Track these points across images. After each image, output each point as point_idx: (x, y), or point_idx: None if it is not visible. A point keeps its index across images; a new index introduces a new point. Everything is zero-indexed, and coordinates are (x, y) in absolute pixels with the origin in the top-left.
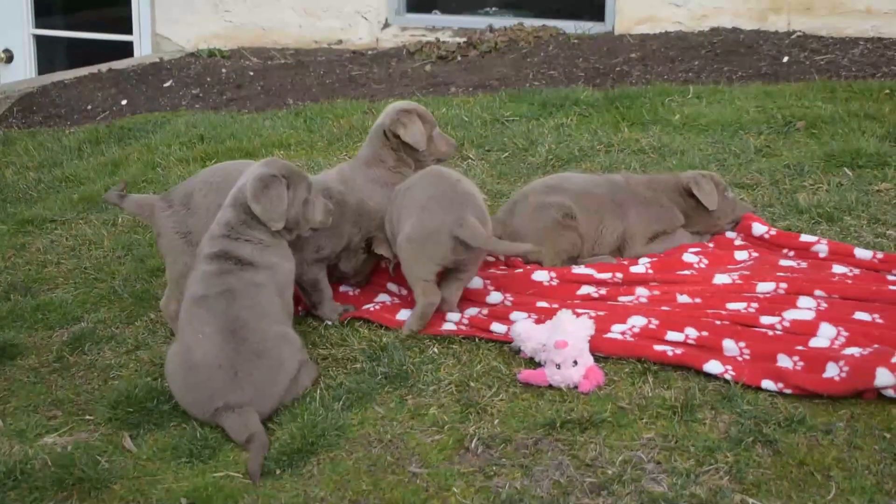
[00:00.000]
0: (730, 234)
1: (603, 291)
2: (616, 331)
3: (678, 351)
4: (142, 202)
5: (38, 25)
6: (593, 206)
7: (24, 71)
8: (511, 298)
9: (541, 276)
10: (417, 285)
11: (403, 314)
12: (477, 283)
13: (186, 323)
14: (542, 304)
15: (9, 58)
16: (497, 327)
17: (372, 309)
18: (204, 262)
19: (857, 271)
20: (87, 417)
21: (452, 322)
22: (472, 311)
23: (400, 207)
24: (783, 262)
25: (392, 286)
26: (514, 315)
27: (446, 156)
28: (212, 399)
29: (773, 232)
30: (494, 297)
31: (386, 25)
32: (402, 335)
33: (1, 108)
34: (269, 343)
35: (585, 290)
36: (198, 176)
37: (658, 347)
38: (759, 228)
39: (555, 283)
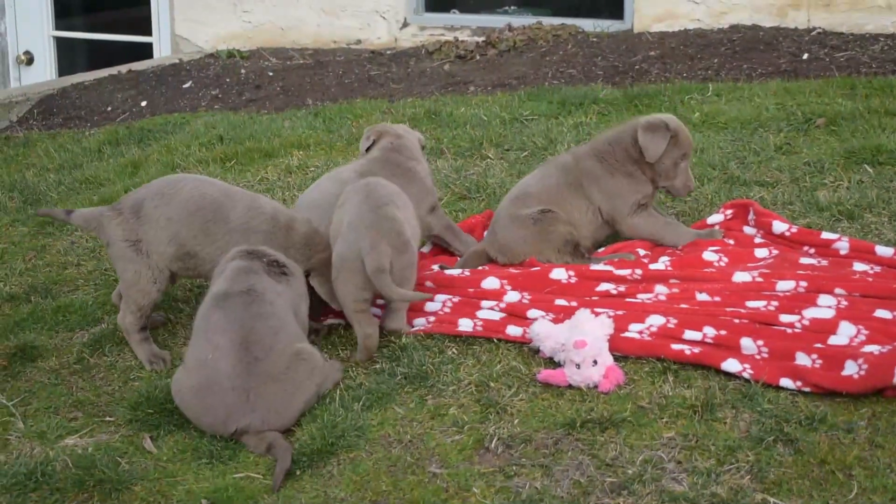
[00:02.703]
0: (749, 231)
1: (622, 288)
2: (634, 330)
3: (696, 350)
4: (89, 215)
5: (58, 27)
6: (554, 199)
7: (44, 73)
8: (528, 297)
9: (559, 273)
10: (350, 316)
11: (418, 323)
12: (494, 283)
13: (201, 330)
14: (560, 301)
15: (29, 60)
16: (513, 330)
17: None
18: (238, 258)
19: (878, 269)
20: (108, 419)
21: (469, 324)
22: (487, 313)
23: (335, 229)
24: (804, 260)
25: None
26: (532, 312)
27: None
28: (226, 423)
29: (794, 229)
30: (512, 296)
31: (404, 25)
32: (421, 336)
33: (21, 110)
34: (285, 366)
35: (604, 287)
36: (149, 186)
37: (676, 346)
38: (779, 226)
39: (573, 280)
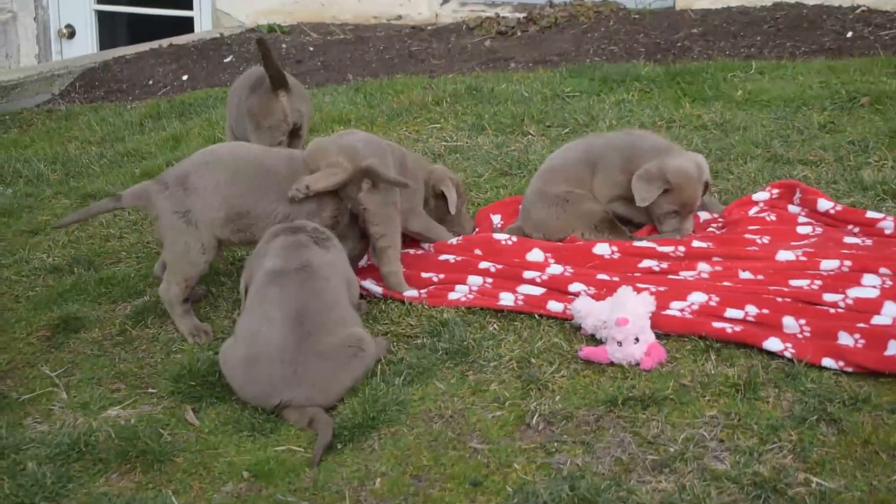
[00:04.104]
0: (793, 210)
1: (664, 265)
2: (675, 307)
3: (737, 328)
4: (137, 192)
5: (99, 1)
6: (574, 175)
7: (85, 46)
8: (571, 270)
9: (602, 249)
10: None
11: (459, 290)
12: (538, 255)
13: (255, 304)
14: (602, 276)
15: (71, 33)
16: (554, 305)
17: (420, 295)
18: (282, 234)
19: None
20: (150, 390)
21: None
22: (528, 287)
23: None
24: (848, 240)
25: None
26: (574, 286)
27: None
28: (270, 395)
29: (839, 208)
30: (555, 269)
31: (445, 1)
32: (462, 311)
33: (63, 83)
34: (335, 344)
35: (647, 263)
36: (190, 159)
37: (717, 324)
38: (824, 204)
39: (616, 256)
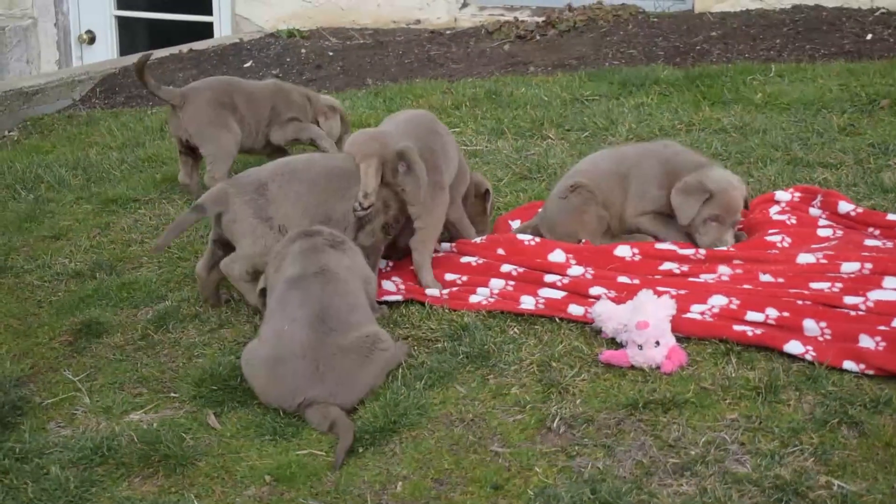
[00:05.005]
0: (814, 213)
1: (685, 268)
2: (695, 311)
3: (758, 331)
4: (216, 196)
5: (119, 7)
6: (600, 179)
7: (106, 52)
8: (592, 272)
9: (623, 251)
10: None
11: (481, 292)
12: (559, 256)
13: (278, 308)
14: (623, 279)
15: (91, 39)
16: (575, 309)
17: (441, 295)
18: (298, 239)
19: None
20: (172, 395)
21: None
22: (549, 291)
23: None
24: (868, 242)
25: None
26: (594, 290)
27: None
28: (294, 394)
29: (860, 210)
30: (576, 270)
31: (464, 5)
32: (482, 315)
33: (84, 89)
34: (356, 343)
35: (667, 266)
36: (266, 167)
37: (738, 328)
38: (845, 206)
39: (637, 258)
